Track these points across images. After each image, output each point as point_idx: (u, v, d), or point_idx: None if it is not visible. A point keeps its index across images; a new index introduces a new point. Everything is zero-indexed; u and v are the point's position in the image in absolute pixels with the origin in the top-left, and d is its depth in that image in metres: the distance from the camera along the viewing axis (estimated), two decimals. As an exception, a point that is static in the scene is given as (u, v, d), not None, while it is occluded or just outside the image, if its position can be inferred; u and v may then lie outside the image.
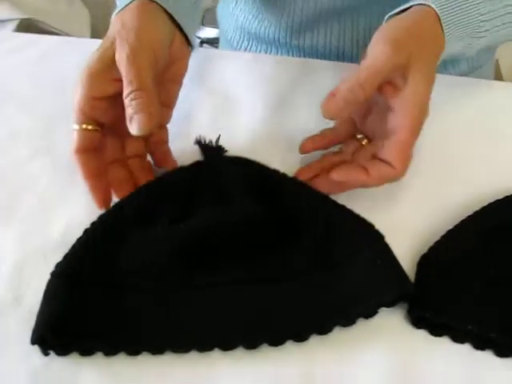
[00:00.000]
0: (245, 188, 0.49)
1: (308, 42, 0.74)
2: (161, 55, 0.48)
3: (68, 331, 0.42)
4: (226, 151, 0.51)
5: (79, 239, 0.46)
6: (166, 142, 0.53)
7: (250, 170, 0.50)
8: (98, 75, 0.47)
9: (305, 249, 0.47)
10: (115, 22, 0.49)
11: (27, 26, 1.37)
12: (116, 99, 0.48)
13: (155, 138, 0.52)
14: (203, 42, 1.66)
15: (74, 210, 0.52)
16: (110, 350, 0.43)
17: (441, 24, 0.49)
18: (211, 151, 0.51)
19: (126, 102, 0.45)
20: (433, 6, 0.49)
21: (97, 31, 1.54)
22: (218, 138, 0.51)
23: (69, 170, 0.55)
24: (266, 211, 0.48)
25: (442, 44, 0.50)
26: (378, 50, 0.47)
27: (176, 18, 0.51)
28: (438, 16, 0.49)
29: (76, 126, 0.48)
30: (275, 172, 0.50)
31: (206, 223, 0.46)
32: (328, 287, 0.45)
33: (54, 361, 0.43)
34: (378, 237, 0.47)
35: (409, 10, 0.51)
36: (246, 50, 0.82)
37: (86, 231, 0.46)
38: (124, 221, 0.47)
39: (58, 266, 0.45)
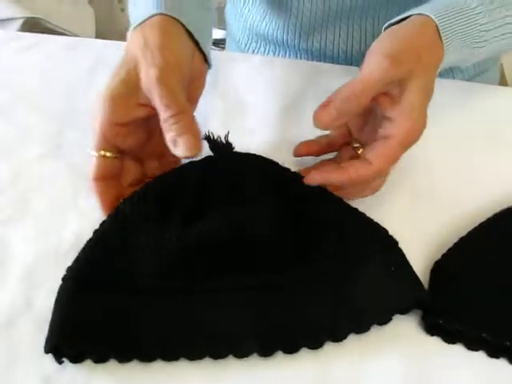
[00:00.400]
0: (260, 185, 0.48)
1: (316, 45, 0.74)
2: (186, 74, 0.47)
3: (81, 339, 0.42)
4: (234, 148, 0.50)
5: (89, 241, 0.46)
6: (180, 161, 0.52)
7: (262, 167, 0.49)
8: (121, 100, 0.45)
9: (319, 254, 0.46)
10: (136, 39, 0.47)
11: (32, 25, 1.37)
12: (138, 124, 0.46)
13: (172, 158, 0.50)
14: (209, 42, 1.66)
15: (86, 212, 0.52)
16: (124, 358, 0.42)
17: (440, 34, 0.49)
18: (220, 147, 0.50)
19: (166, 126, 0.44)
20: (432, 16, 0.49)
21: (101, 30, 1.54)
22: (227, 135, 0.50)
23: (80, 172, 0.55)
24: (280, 212, 0.47)
25: (441, 54, 0.49)
26: (376, 63, 0.46)
27: (195, 35, 0.49)
28: (437, 26, 0.49)
29: (94, 153, 0.46)
30: (288, 170, 0.50)
31: (220, 225, 0.46)
32: (342, 294, 0.45)
33: (67, 366, 0.42)
34: (392, 243, 0.47)
35: (408, 20, 0.51)
36: (254, 51, 0.81)
37: (96, 232, 0.46)
38: (135, 221, 0.46)
39: (69, 270, 0.44)
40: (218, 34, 1.66)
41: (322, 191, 0.49)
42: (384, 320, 0.45)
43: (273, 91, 0.64)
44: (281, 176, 0.49)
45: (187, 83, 0.48)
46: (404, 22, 0.50)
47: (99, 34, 1.52)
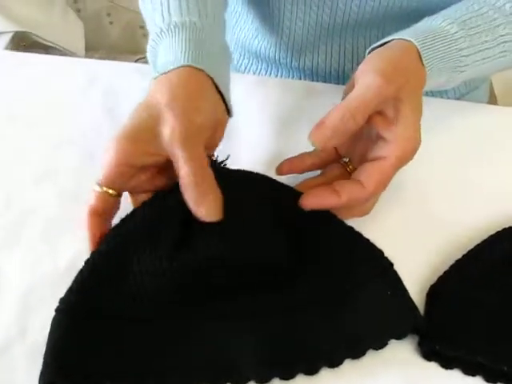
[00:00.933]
0: (256, 204, 0.47)
1: (308, 64, 0.74)
2: (210, 133, 0.46)
3: (76, 370, 0.41)
4: (226, 164, 0.49)
5: (81, 271, 0.45)
6: None
7: (258, 186, 0.48)
8: (135, 144, 0.44)
9: (314, 278, 0.46)
10: (162, 88, 0.46)
11: (21, 39, 1.37)
12: (144, 169, 0.46)
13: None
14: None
15: (81, 237, 0.50)
16: None
17: (421, 59, 0.49)
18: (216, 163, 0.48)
19: (188, 190, 0.43)
20: (413, 41, 0.50)
21: (91, 43, 1.54)
22: (227, 159, 0.49)
23: (75, 195, 0.54)
24: (274, 233, 0.46)
25: (424, 77, 0.50)
26: (368, 81, 0.46)
27: (221, 89, 0.48)
28: (418, 51, 0.49)
29: (98, 188, 0.45)
30: (284, 187, 0.49)
31: (210, 252, 0.44)
32: (338, 319, 0.45)
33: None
34: (388, 265, 0.47)
35: (391, 43, 0.51)
36: (246, 68, 0.81)
37: (87, 262, 0.45)
38: (124, 248, 0.45)
39: (62, 302, 0.44)
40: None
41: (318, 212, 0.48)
42: (380, 345, 0.44)
43: (265, 111, 0.64)
44: (277, 194, 0.49)
45: (209, 139, 0.47)
46: (388, 45, 0.51)
47: (88, 47, 1.52)
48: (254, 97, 0.65)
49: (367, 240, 0.48)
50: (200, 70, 0.47)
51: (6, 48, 1.29)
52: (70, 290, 0.44)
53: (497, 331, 0.45)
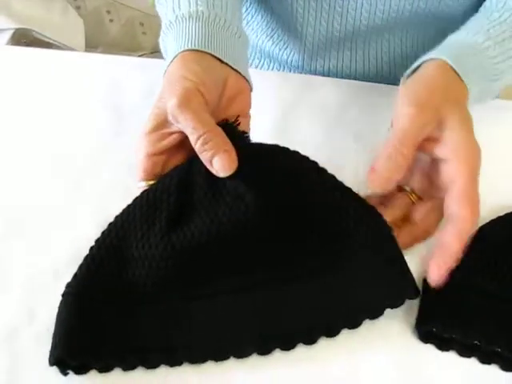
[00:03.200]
0: (248, 181, 0.46)
1: (320, 69, 0.75)
2: (212, 96, 0.48)
3: (85, 350, 0.43)
4: (248, 135, 0.50)
5: (86, 258, 0.46)
6: None
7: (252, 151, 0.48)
8: (153, 134, 0.47)
9: (310, 248, 0.46)
10: (163, 80, 0.49)
11: (22, 36, 1.37)
12: (174, 150, 0.48)
13: None
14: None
15: (85, 226, 0.52)
16: (128, 366, 0.43)
17: (458, 74, 0.49)
18: (236, 134, 0.48)
19: (198, 148, 0.45)
20: (445, 58, 0.50)
21: (91, 40, 1.55)
22: (237, 120, 0.49)
23: (78, 186, 0.56)
24: (266, 207, 0.46)
25: (464, 88, 0.50)
26: (403, 114, 0.47)
27: (224, 60, 0.50)
28: (452, 68, 0.49)
29: (142, 184, 0.48)
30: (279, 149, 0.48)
31: (204, 228, 0.45)
32: (335, 289, 0.45)
33: (72, 379, 0.43)
34: (387, 231, 0.47)
35: (423, 67, 0.51)
36: (257, 68, 0.82)
37: (92, 249, 0.47)
38: (125, 233, 0.47)
39: (68, 286, 0.45)
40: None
41: (316, 174, 0.48)
42: (376, 314, 0.45)
43: (266, 104, 0.64)
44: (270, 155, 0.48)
45: (220, 104, 0.49)
46: (420, 71, 0.51)
47: (88, 44, 1.53)
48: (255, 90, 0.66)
49: (366, 203, 0.48)
50: (202, 51, 0.49)
51: (7, 45, 1.29)
52: (76, 276, 0.45)
53: (492, 314, 0.46)
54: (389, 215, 0.48)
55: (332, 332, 0.45)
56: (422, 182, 0.50)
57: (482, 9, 0.61)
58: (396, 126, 0.47)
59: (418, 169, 0.50)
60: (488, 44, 0.52)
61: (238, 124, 0.48)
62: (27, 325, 0.47)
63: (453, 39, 0.54)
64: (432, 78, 0.49)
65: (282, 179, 0.47)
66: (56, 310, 0.45)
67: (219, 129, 0.46)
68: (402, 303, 0.46)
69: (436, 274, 0.45)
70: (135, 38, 1.70)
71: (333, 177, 0.48)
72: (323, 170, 0.48)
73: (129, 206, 0.48)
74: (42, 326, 0.46)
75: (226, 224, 0.45)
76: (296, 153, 0.48)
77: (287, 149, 0.48)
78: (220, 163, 0.45)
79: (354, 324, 0.45)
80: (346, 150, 0.60)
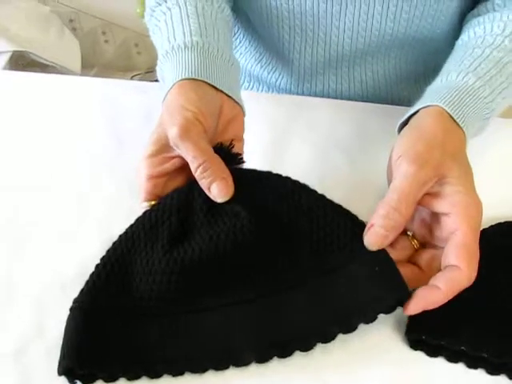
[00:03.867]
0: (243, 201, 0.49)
1: (306, 92, 0.78)
2: (209, 123, 0.50)
3: (91, 360, 0.45)
4: (242, 157, 0.53)
5: (92, 274, 0.49)
6: None
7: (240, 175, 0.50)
8: (154, 157, 0.50)
9: (303, 256, 0.48)
10: (163, 108, 0.52)
11: (20, 58, 1.40)
12: (174, 175, 0.51)
13: None
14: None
15: (89, 244, 0.55)
16: (133, 376, 0.46)
17: (453, 118, 0.50)
18: (231, 157, 0.51)
19: (197, 175, 0.48)
20: (441, 105, 0.51)
21: (87, 61, 1.58)
22: (231, 144, 0.52)
23: (82, 207, 0.58)
24: (259, 218, 0.48)
25: (461, 134, 0.51)
26: (402, 170, 0.47)
27: (219, 87, 0.53)
28: (448, 113, 0.50)
29: (144, 204, 0.51)
30: (266, 172, 0.51)
31: (204, 245, 0.48)
32: (328, 296, 0.47)
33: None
34: None
35: (418, 115, 0.52)
36: (247, 90, 0.84)
37: (97, 266, 0.49)
38: (130, 249, 0.49)
39: (76, 301, 0.47)
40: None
41: (304, 189, 0.50)
42: (370, 319, 0.47)
43: (260, 126, 0.66)
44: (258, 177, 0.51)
45: (216, 130, 0.52)
46: (415, 119, 0.52)
47: (84, 65, 1.55)
48: (248, 112, 0.69)
49: (356, 217, 0.50)
50: (198, 80, 0.52)
51: (5, 67, 1.32)
52: (82, 291, 0.48)
53: (478, 321, 0.49)
54: (393, 256, 0.48)
55: (328, 337, 0.47)
56: (423, 231, 0.50)
57: (460, 44, 0.62)
58: (394, 183, 0.47)
59: (418, 219, 0.50)
60: (479, 84, 0.53)
61: (233, 147, 0.52)
62: (37, 340, 0.48)
63: (445, 82, 0.55)
64: (430, 130, 0.50)
65: (274, 199, 0.50)
66: (63, 325, 0.47)
67: (217, 157, 0.49)
68: (394, 307, 0.47)
69: (413, 310, 0.45)
70: (130, 59, 1.73)
71: (323, 196, 0.50)
72: (313, 190, 0.50)
73: (131, 226, 0.50)
74: (51, 341, 0.48)
75: (223, 240, 0.48)
76: (288, 178, 0.51)
77: (279, 174, 0.51)
78: (217, 189, 0.48)
79: (348, 328, 0.46)
80: (336, 169, 0.62)
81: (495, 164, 0.63)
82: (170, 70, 0.54)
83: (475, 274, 0.45)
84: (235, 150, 0.52)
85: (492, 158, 0.64)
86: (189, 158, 0.48)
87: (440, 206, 0.47)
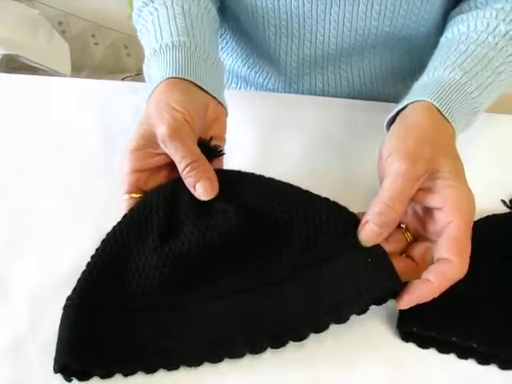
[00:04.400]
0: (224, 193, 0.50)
1: (294, 92, 0.78)
2: (196, 124, 0.51)
3: (86, 356, 0.45)
4: (222, 150, 0.54)
5: (83, 273, 0.49)
6: None
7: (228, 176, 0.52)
8: (139, 151, 0.51)
9: (294, 248, 0.49)
10: (150, 102, 0.53)
11: (9, 61, 1.40)
12: (156, 170, 0.52)
13: None
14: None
15: (81, 243, 0.55)
16: (128, 371, 0.46)
17: (441, 113, 0.51)
18: (212, 151, 0.53)
19: (184, 174, 0.49)
20: (429, 100, 0.51)
21: (76, 64, 1.58)
22: (211, 139, 0.53)
23: (73, 207, 0.58)
24: (247, 212, 0.49)
25: (450, 128, 0.51)
26: (394, 167, 0.47)
27: (205, 88, 0.54)
28: (436, 107, 0.51)
29: (125, 196, 0.52)
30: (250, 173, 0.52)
31: (193, 239, 0.49)
32: (320, 286, 0.47)
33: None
34: None
35: (406, 110, 0.52)
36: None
37: (89, 264, 0.49)
38: (120, 246, 0.50)
39: (69, 299, 0.48)
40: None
41: (293, 187, 0.51)
42: (361, 310, 0.48)
43: (252, 125, 0.67)
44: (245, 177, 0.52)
45: (200, 129, 0.53)
46: (404, 114, 0.52)
47: (74, 68, 1.55)
48: (240, 111, 0.69)
49: (345, 208, 0.50)
50: (185, 79, 0.53)
51: (-5, 70, 1.32)
52: (75, 289, 0.48)
53: (466, 313, 0.49)
54: (387, 249, 0.48)
55: (320, 327, 0.47)
56: (416, 225, 0.51)
57: (444, 41, 0.63)
58: (387, 181, 0.47)
59: (411, 212, 0.51)
60: (465, 79, 0.54)
61: (211, 139, 0.53)
62: (31, 338, 0.49)
63: (432, 78, 0.55)
64: (420, 125, 0.50)
65: (259, 196, 0.51)
66: (58, 323, 0.47)
67: (204, 158, 0.50)
68: (386, 299, 0.47)
69: (405, 304, 0.46)
70: (120, 60, 1.73)
71: (308, 191, 0.51)
72: (298, 187, 0.51)
73: (120, 223, 0.51)
74: (45, 339, 0.48)
75: (212, 233, 0.49)
76: (271, 178, 0.52)
77: (263, 175, 0.52)
78: (202, 188, 0.49)
79: (340, 318, 0.47)
80: (326, 166, 0.63)
81: (480, 158, 0.64)
82: (158, 68, 0.55)
83: (467, 267, 0.46)
84: (214, 143, 0.53)
85: (477, 151, 0.64)
86: (177, 158, 0.49)
87: (433, 200, 0.48)
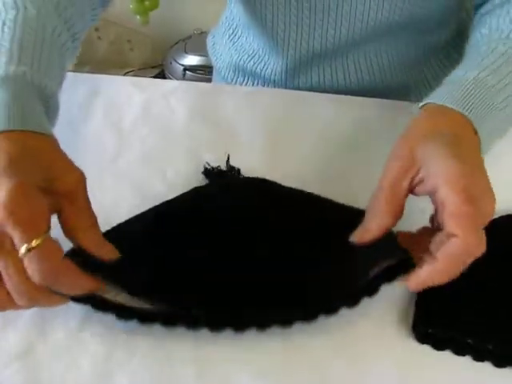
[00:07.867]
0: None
1: (302, 85, 0.78)
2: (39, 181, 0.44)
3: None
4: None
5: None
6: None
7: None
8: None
9: (307, 232, 0.50)
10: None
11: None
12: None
13: None
14: (186, 69, 1.70)
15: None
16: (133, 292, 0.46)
17: (462, 113, 0.49)
18: (216, 179, 0.56)
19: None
20: (448, 105, 0.49)
21: (80, 58, 1.56)
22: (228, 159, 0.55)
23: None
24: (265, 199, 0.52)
25: (465, 122, 0.49)
26: (387, 169, 0.48)
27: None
28: (459, 112, 0.49)
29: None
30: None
31: (219, 211, 0.51)
32: (332, 268, 0.48)
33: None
34: None
35: (428, 109, 0.51)
36: (240, 85, 0.84)
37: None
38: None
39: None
40: (194, 60, 1.70)
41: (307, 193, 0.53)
42: (373, 291, 0.47)
43: (262, 121, 0.67)
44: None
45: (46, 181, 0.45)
46: (426, 111, 0.51)
47: (77, 63, 1.54)
48: (250, 107, 0.69)
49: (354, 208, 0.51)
50: (24, 131, 0.44)
51: None
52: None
53: (483, 314, 0.49)
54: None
55: (331, 309, 0.47)
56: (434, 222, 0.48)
57: (467, 47, 0.61)
58: (381, 181, 0.48)
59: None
60: (484, 74, 0.51)
61: None
62: (41, 340, 0.48)
63: (448, 80, 0.54)
64: (415, 124, 0.50)
65: (275, 197, 0.53)
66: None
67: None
68: (395, 276, 0.47)
69: (416, 285, 0.45)
70: (123, 55, 1.73)
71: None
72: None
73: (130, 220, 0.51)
74: (55, 343, 0.48)
75: (236, 208, 0.51)
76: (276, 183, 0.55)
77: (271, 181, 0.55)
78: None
79: (352, 303, 0.47)
80: (335, 163, 0.63)
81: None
82: None
83: (474, 238, 0.43)
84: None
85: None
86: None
87: (428, 185, 0.46)
